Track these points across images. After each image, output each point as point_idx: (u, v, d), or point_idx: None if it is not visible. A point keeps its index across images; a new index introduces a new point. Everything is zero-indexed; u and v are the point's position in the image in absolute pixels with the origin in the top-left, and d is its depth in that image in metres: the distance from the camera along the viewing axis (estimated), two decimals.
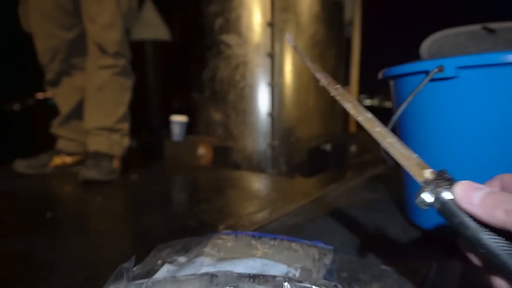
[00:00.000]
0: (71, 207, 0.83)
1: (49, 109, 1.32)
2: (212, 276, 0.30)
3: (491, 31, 0.65)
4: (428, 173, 0.24)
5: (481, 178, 0.24)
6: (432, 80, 0.47)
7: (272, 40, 1.37)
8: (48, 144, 1.18)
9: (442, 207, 0.22)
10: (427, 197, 0.23)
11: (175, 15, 1.71)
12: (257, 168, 1.41)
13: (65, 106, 1.15)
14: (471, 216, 0.21)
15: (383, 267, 0.44)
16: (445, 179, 0.23)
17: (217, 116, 1.46)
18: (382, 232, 0.57)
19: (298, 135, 1.44)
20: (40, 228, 0.63)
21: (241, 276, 0.30)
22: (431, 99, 0.50)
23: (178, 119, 1.43)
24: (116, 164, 1.07)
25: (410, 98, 0.49)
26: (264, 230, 0.58)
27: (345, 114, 1.96)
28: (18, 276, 0.44)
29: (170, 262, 0.39)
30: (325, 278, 0.38)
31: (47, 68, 1.10)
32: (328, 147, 1.44)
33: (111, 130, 1.08)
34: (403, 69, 0.53)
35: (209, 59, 1.45)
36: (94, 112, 1.08)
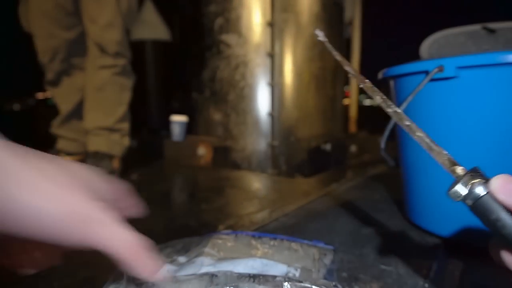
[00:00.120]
0: None
1: (49, 109, 1.32)
2: (212, 276, 0.30)
3: (491, 31, 0.65)
4: (460, 170, 0.23)
5: None
6: (432, 80, 0.47)
7: (272, 40, 1.37)
8: (48, 144, 1.18)
9: (477, 203, 0.21)
10: (461, 189, 0.22)
11: (175, 15, 1.71)
12: (257, 168, 1.41)
13: (65, 106, 1.15)
14: (509, 211, 0.20)
15: (383, 267, 0.44)
16: (478, 175, 0.22)
17: (217, 116, 1.46)
18: (382, 232, 0.57)
19: (298, 135, 1.44)
20: None
21: (241, 276, 0.30)
22: (431, 99, 0.50)
23: (178, 119, 1.43)
24: (116, 164, 1.07)
25: (410, 98, 0.49)
26: (264, 230, 0.58)
27: (345, 114, 1.96)
28: (18, 276, 0.44)
29: (170, 262, 0.39)
30: (325, 278, 0.38)
31: (47, 68, 1.10)
32: (328, 147, 1.44)
33: (111, 130, 1.08)
34: (403, 69, 0.53)
35: (209, 59, 1.45)
36: (94, 112, 1.08)
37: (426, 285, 0.40)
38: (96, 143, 1.06)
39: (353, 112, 2.11)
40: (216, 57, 1.43)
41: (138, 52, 1.99)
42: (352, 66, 0.29)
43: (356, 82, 0.30)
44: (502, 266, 0.23)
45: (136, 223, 0.26)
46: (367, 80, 0.29)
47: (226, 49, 1.40)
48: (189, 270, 0.35)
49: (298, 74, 1.42)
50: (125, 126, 1.12)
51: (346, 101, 1.96)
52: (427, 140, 0.25)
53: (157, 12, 2.06)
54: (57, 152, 1.15)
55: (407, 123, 0.26)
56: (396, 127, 0.58)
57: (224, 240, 0.42)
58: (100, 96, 1.07)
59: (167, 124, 1.46)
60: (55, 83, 1.14)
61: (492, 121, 0.45)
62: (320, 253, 0.41)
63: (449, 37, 0.71)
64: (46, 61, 1.09)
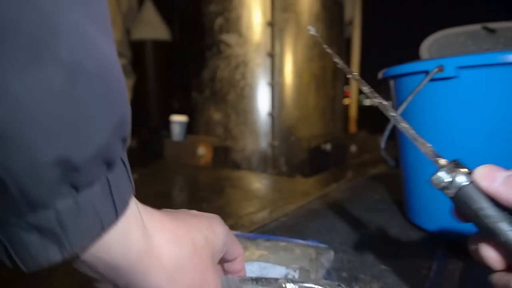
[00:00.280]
0: None
1: None
2: None
3: (491, 31, 0.65)
4: (443, 160, 0.23)
5: None
6: (432, 80, 0.47)
7: (272, 40, 1.37)
8: None
9: (460, 191, 0.21)
10: (444, 175, 0.21)
11: (175, 15, 1.71)
12: (257, 168, 1.41)
13: None
14: (492, 199, 0.20)
15: (383, 267, 0.44)
16: (462, 166, 0.22)
17: (217, 116, 1.46)
18: (382, 232, 0.57)
19: (298, 135, 1.44)
20: None
21: (244, 279, 0.30)
22: (431, 99, 0.50)
23: (178, 119, 1.43)
24: None
25: (410, 98, 0.49)
26: (264, 230, 0.58)
27: (345, 114, 1.96)
28: (18, 276, 0.44)
29: None
30: (324, 278, 0.38)
31: None
32: (328, 147, 1.44)
33: None
34: (403, 69, 0.53)
35: (209, 58, 1.45)
36: None
37: (426, 285, 0.40)
38: None
39: (353, 112, 2.12)
40: (216, 57, 1.43)
41: (138, 52, 2.00)
42: (341, 59, 0.31)
43: (344, 73, 0.31)
44: (481, 262, 0.22)
45: None
46: (355, 72, 0.30)
47: (226, 49, 1.40)
48: None
49: (298, 74, 1.42)
50: None
51: (346, 101, 1.96)
52: (411, 131, 0.26)
53: (157, 12, 2.06)
54: None
55: (393, 114, 0.27)
56: (396, 127, 0.58)
57: None
58: None
59: (167, 124, 1.46)
60: None
61: (492, 120, 0.45)
62: (316, 252, 0.41)
63: (449, 37, 0.71)
64: None
